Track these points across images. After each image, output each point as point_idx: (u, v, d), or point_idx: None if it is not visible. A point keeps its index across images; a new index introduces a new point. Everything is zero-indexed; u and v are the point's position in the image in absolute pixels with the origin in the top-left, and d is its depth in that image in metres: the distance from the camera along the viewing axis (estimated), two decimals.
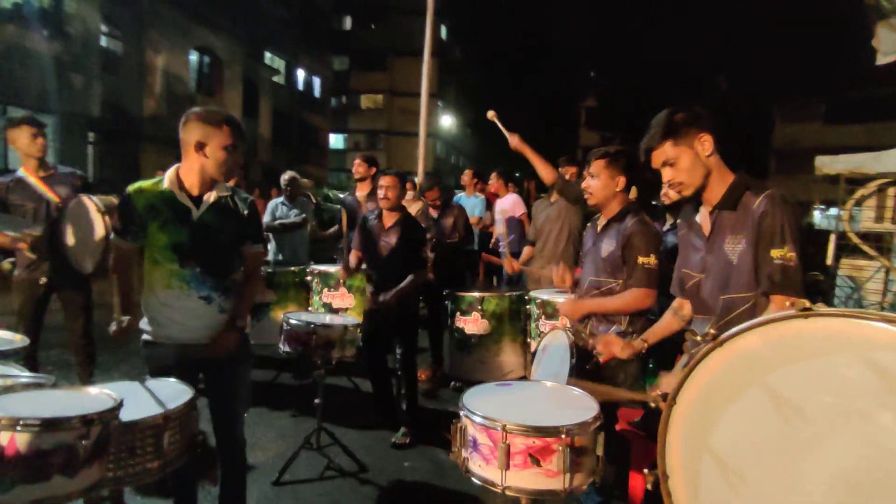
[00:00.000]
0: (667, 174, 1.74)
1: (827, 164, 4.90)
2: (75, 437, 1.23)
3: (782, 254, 1.55)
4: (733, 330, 1.10)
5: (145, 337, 2.14)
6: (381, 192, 3.47)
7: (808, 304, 1.00)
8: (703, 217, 1.80)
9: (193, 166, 2.07)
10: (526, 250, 4.18)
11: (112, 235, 2.18)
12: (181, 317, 2.09)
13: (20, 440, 1.18)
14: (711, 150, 1.70)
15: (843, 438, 0.95)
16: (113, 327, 2.05)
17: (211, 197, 2.11)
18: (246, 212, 2.18)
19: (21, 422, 1.19)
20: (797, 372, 1.02)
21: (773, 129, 27.80)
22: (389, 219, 3.55)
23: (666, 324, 2.04)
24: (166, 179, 2.10)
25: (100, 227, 2.98)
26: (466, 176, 6.37)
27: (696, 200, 1.81)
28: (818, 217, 18.76)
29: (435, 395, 4.36)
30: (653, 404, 1.36)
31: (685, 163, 1.70)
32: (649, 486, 1.16)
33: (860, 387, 0.94)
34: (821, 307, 0.99)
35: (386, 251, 3.53)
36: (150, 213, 2.06)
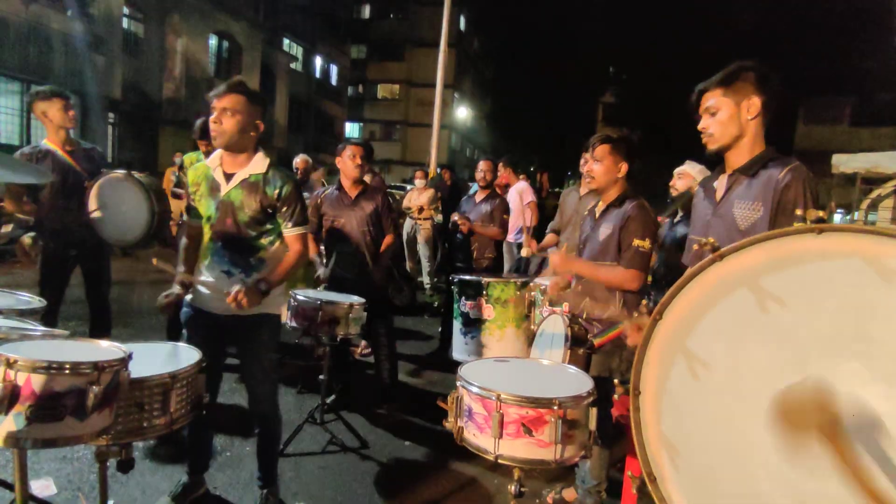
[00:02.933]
0: (704, 121, 1.75)
1: (844, 163, 4.82)
2: (86, 382, 1.30)
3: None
4: (737, 244, 0.99)
5: (187, 299, 2.27)
6: (353, 161, 3.51)
7: (822, 214, 0.89)
8: (720, 182, 1.81)
9: None
10: (548, 237, 4.22)
11: (184, 215, 2.33)
12: (208, 287, 2.22)
13: (36, 381, 1.25)
14: (755, 114, 1.69)
15: (822, 322, 0.87)
16: (161, 300, 2.11)
17: (242, 175, 2.19)
18: (276, 192, 2.18)
19: (36, 364, 1.27)
20: (791, 275, 0.92)
21: (795, 129, 27.28)
22: (354, 190, 3.62)
23: None
24: (213, 156, 2.26)
25: (144, 203, 3.08)
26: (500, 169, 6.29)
27: (719, 166, 1.81)
28: (838, 221, 18.41)
29: (438, 379, 4.43)
30: (627, 322, 1.35)
31: (723, 116, 1.71)
32: (616, 397, 1.15)
33: (854, 282, 0.85)
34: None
35: (361, 220, 3.58)
36: (196, 188, 2.24)
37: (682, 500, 0.99)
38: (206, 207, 2.21)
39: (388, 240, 3.71)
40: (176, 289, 2.16)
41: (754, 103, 1.69)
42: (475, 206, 4.72)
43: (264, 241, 2.24)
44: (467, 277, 3.98)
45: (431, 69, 11.78)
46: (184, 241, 2.32)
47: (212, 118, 2.11)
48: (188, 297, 2.27)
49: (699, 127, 1.78)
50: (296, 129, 23.22)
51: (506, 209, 4.77)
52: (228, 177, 2.19)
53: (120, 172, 3.22)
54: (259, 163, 2.21)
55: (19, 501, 1.45)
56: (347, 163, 3.55)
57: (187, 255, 2.30)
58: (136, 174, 3.17)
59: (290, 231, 2.23)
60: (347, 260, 3.59)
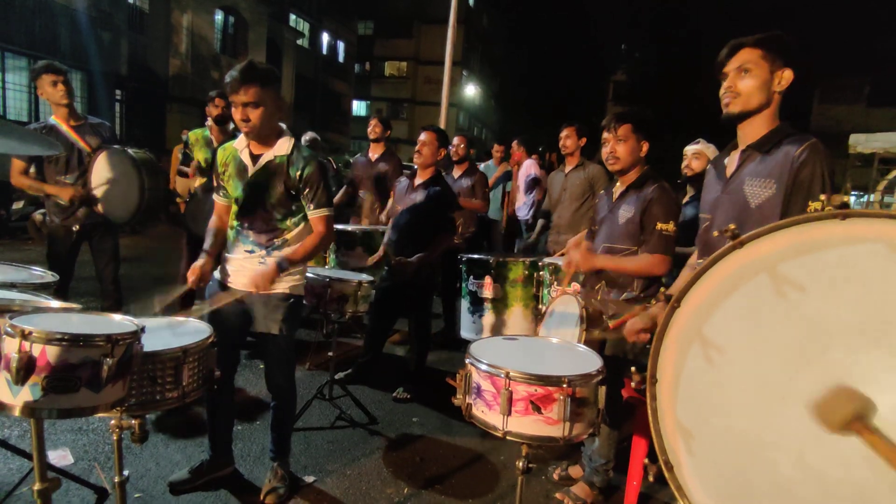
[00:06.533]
0: (731, 79, 1.68)
1: (861, 143, 4.70)
2: (100, 355, 1.32)
3: (819, 207, 1.52)
4: (757, 230, 0.95)
5: (215, 274, 2.34)
6: (416, 147, 3.52)
7: (846, 199, 0.90)
8: (731, 158, 1.78)
9: None
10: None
11: (214, 194, 2.37)
12: (232, 265, 2.28)
13: (51, 353, 1.27)
14: (785, 87, 1.66)
15: (845, 309, 0.86)
16: (190, 278, 2.18)
17: (267, 157, 2.20)
18: (298, 173, 2.18)
19: (51, 336, 1.28)
20: (813, 261, 0.90)
21: (811, 109, 26.68)
22: (420, 177, 3.58)
23: (683, 278, 2.00)
24: (240, 137, 2.26)
25: (135, 179, 3.06)
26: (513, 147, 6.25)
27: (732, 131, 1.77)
28: (852, 203, 18.14)
29: (446, 358, 4.46)
30: (654, 301, 1.34)
31: (756, 79, 1.65)
32: (635, 385, 1.13)
33: (878, 268, 0.83)
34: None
35: (409, 210, 3.54)
36: (224, 169, 2.27)
37: (698, 486, 0.98)
38: (233, 188, 2.25)
39: (439, 241, 3.61)
40: (201, 260, 2.23)
41: (786, 76, 1.65)
42: (454, 181, 4.68)
43: (289, 222, 2.26)
44: (476, 256, 3.97)
45: (440, 46, 11.57)
46: (213, 218, 2.38)
47: (237, 115, 2.09)
48: (215, 273, 2.33)
49: (725, 85, 1.69)
50: (302, 107, 23.03)
51: (485, 182, 4.79)
52: (255, 158, 2.21)
53: (114, 148, 3.21)
54: (284, 144, 2.22)
55: (37, 470, 1.48)
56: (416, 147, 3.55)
57: (214, 232, 2.36)
58: (131, 149, 3.16)
59: (313, 213, 2.24)
60: (393, 245, 3.62)
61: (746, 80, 1.65)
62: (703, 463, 0.99)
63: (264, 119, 2.11)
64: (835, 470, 0.82)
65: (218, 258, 2.35)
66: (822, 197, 0.90)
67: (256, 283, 2.12)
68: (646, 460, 1.13)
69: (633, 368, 1.14)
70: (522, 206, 5.65)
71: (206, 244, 2.32)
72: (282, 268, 2.14)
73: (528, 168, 5.52)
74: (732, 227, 0.99)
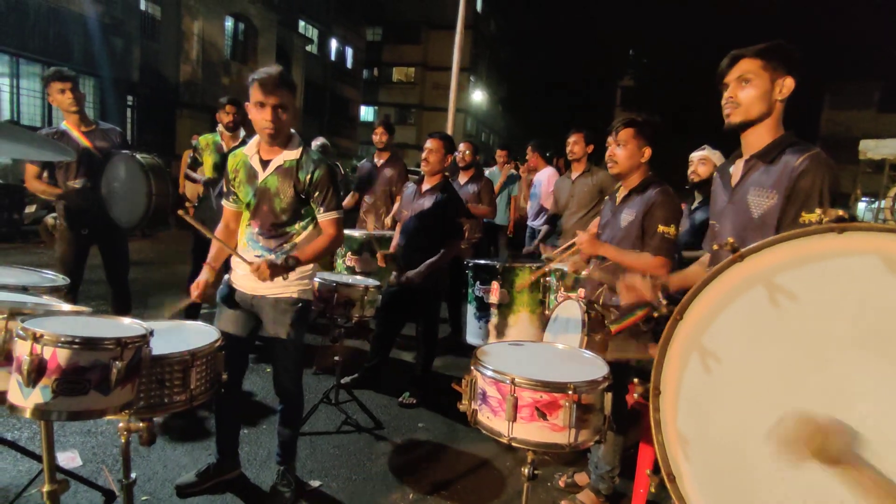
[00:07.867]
0: (732, 89, 1.69)
1: (872, 149, 4.67)
2: (110, 358, 1.33)
3: (814, 220, 1.51)
4: (757, 244, 0.97)
5: (226, 277, 2.37)
6: (423, 154, 3.54)
7: (843, 213, 0.88)
8: (736, 167, 1.78)
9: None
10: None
11: (223, 200, 2.40)
12: (241, 268, 2.28)
13: (61, 355, 1.29)
14: (786, 96, 1.66)
15: (842, 321, 0.87)
16: (194, 292, 2.21)
17: (277, 161, 2.21)
18: (308, 177, 2.18)
19: (62, 339, 1.30)
20: (810, 273, 0.91)
21: (820, 114, 26.50)
22: (428, 183, 3.59)
23: (691, 272, 1.97)
24: (251, 143, 2.28)
25: (142, 184, 3.09)
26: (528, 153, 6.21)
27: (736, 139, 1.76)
28: (862, 209, 17.92)
29: (452, 363, 4.46)
30: (656, 314, 1.34)
31: (756, 89, 1.65)
32: (635, 395, 1.14)
33: (873, 280, 0.84)
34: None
35: (416, 216, 3.54)
36: (235, 175, 2.28)
37: (699, 498, 0.98)
38: (244, 194, 2.27)
39: (446, 249, 3.61)
40: (204, 274, 2.24)
41: (787, 84, 1.65)
42: (461, 187, 4.68)
43: (298, 226, 2.27)
44: (482, 262, 3.97)
45: (448, 52, 11.64)
46: (220, 227, 2.40)
47: (265, 115, 2.08)
48: (226, 276, 2.36)
49: (726, 95, 1.71)
50: (311, 112, 23.19)
51: (492, 188, 4.78)
52: (265, 164, 2.22)
53: (123, 153, 3.25)
54: (294, 149, 2.23)
55: (47, 472, 1.49)
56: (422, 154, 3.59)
57: (219, 245, 2.32)
58: (139, 154, 3.19)
59: (323, 216, 2.25)
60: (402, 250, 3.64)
61: (747, 90, 1.66)
62: (704, 474, 0.99)
63: (290, 123, 2.16)
64: (832, 482, 0.82)
65: (222, 269, 2.36)
66: (818, 211, 0.90)
67: (262, 271, 2.03)
68: (647, 471, 1.13)
69: (636, 380, 1.14)
70: (535, 215, 5.61)
71: (210, 256, 2.31)
72: (288, 265, 2.11)
73: (550, 178, 5.43)
74: (731, 240, 0.99)
